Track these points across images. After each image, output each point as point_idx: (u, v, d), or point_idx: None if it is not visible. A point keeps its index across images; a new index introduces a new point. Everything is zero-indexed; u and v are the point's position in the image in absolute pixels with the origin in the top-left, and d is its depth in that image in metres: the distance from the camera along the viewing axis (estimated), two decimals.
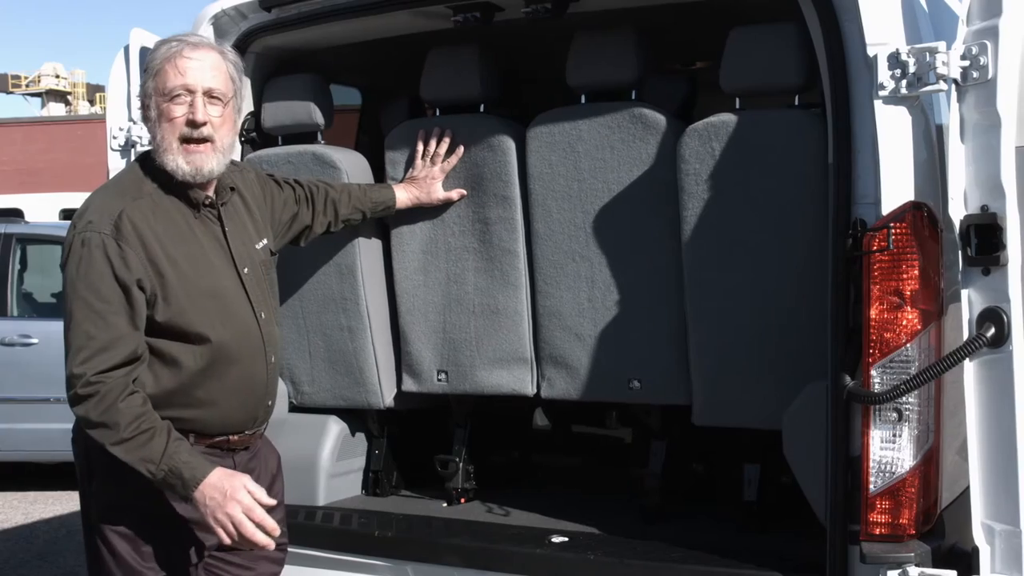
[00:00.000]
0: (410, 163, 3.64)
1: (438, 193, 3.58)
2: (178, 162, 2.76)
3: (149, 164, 2.83)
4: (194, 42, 2.81)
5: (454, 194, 3.59)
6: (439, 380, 3.70)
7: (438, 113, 3.72)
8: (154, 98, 2.78)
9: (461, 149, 3.56)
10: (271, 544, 2.67)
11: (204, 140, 2.77)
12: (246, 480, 2.69)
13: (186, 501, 2.65)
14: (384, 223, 3.72)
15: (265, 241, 3.05)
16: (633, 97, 3.39)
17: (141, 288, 2.69)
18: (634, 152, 3.31)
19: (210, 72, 2.78)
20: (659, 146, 3.27)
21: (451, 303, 3.65)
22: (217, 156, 2.80)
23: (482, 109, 3.65)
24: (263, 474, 3.02)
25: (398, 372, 3.79)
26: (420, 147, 3.61)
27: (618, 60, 3.38)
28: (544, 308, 3.53)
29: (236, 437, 2.91)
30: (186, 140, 2.76)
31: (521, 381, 3.60)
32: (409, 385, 3.75)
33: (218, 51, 2.85)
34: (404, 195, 3.58)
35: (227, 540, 2.64)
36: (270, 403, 3.01)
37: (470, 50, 3.59)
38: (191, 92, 2.75)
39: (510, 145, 3.50)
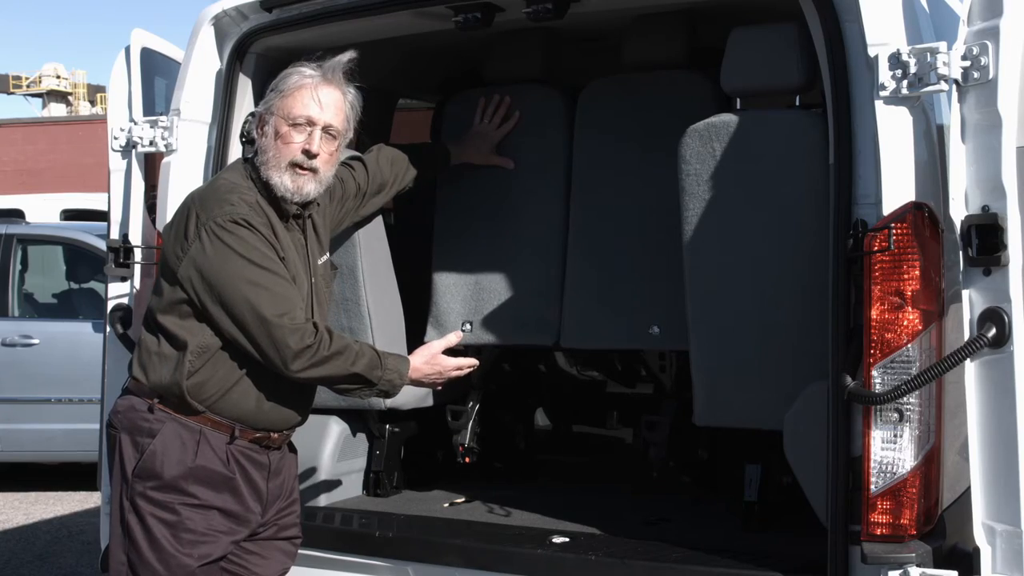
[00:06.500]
0: (463, 131, 3.86)
1: (488, 157, 3.82)
2: (283, 179, 2.93)
3: (250, 172, 2.99)
4: (328, 78, 2.98)
5: (501, 160, 3.82)
6: (464, 330, 3.81)
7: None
8: (276, 117, 2.95)
9: (516, 116, 3.79)
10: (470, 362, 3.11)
11: (310, 169, 2.94)
12: (420, 361, 3.03)
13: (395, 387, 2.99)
14: (387, 222, 3.75)
15: (327, 256, 3.21)
16: None
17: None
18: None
19: (333, 110, 2.97)
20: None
21: (484, 260, 3.82)
22: (316, 184, 2.98)
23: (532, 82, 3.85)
24: (288, 475, 3.13)
25: None
26: (478, 114, 3.85)
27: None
28: (570, 271, 3.71)
29: (276, 435, 3.02)
30: (295, 164, 2.93)
31: (542, 333, 3.74)
32: (432, 336, 3.86)
33: (342, 91, 3.02)
34: (456, 150, 3.81)
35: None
36: (308, 410, 3.14)
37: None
38: (313, 124, 2.94)
39: (560, 116, 3.74)
